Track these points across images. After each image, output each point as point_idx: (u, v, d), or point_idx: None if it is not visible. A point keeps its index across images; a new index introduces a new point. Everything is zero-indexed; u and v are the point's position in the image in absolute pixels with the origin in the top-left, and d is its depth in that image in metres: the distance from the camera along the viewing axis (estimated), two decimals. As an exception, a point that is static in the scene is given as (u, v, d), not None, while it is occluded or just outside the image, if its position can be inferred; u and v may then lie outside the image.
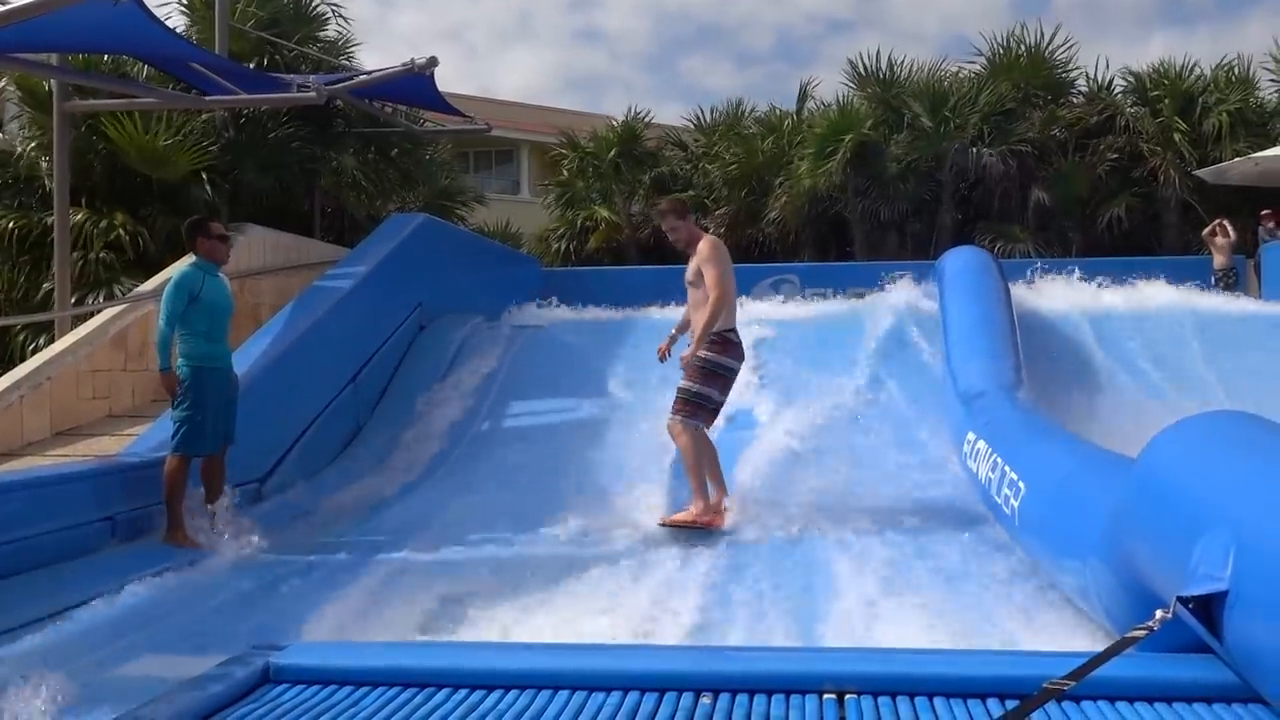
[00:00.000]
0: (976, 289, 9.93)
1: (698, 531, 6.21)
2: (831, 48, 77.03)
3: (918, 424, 8.55)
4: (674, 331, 7.05)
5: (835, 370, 9.55)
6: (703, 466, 6.41)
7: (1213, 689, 2.85)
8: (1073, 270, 12.26)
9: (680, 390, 6.47)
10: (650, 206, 20.71)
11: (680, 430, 6.40)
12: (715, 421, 6.73)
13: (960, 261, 10.98)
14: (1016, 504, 5.39)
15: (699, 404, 6.42)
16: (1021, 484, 5.42)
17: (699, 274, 6.43)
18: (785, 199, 18.71)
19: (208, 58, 10.63)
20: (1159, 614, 2.82)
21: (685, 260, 6.58)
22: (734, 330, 6.53)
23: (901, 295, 10.99)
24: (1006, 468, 5.75)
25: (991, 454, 6.14)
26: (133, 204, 12.03)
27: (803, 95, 20.99)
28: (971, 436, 6.79)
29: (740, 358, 6.58)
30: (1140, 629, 2.79)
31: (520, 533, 6.49)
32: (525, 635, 4.28)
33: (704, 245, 6.49)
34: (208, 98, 11.09)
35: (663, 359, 6.99)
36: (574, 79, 70.53)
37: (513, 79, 64.87)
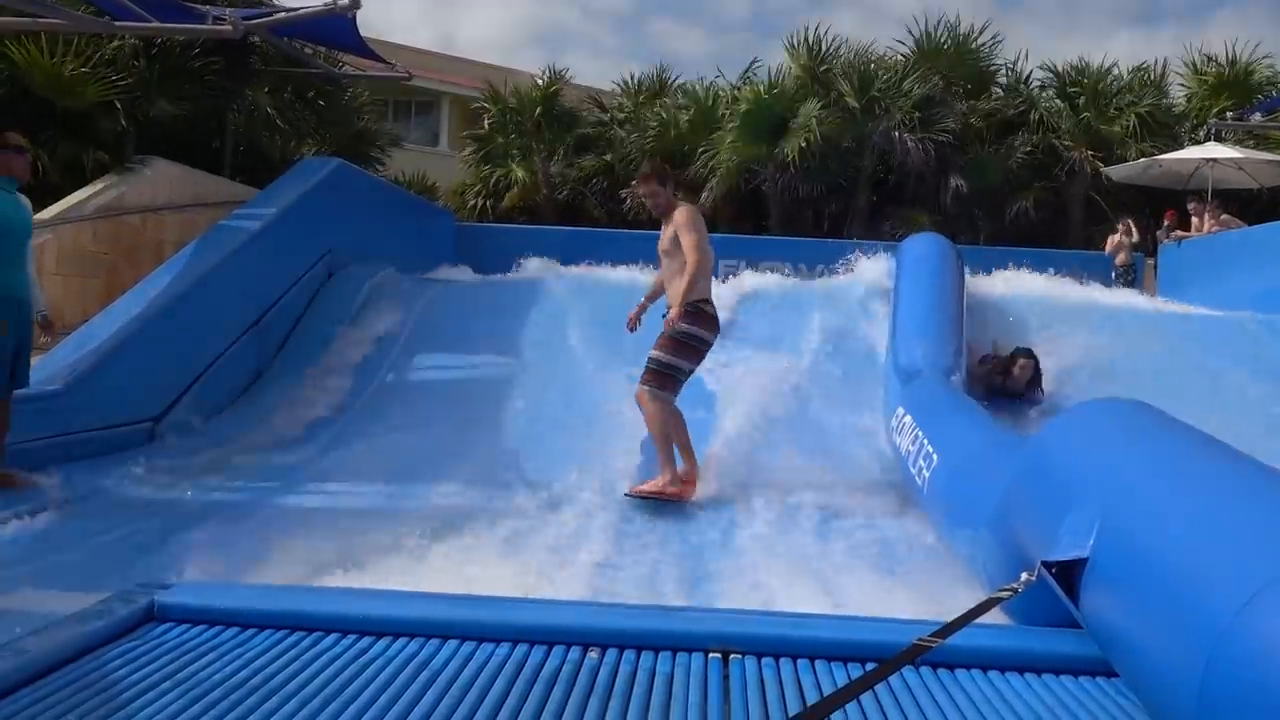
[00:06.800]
0: (931, 274, 10.06)
1: (665, 502, 6.07)
2: (807, 21, 76.30)
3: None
4: (644, 300, 6.89)
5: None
6: (670, 436, 6.29)
7: (1079, 662, 2.98)
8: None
9: (651, 360, 6.32)
10: (568, 167, 20.63)
11: (648, 399, 6.27)
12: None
13: (921, 247, 11.15)
14: (928, 474, 5.55)
15: (669, 375, 6.29)
16: (935, 455, 5.57)
17: (674, 242, 6.29)
18: (706, 171, 18.76)
19: (119, -19, 10.25)
20: (1024, 576, 2.94)
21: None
22: (709, 301, 6.38)
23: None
24: (925, 440, 5.89)
25: (915, 428, 6.28)
26: (33, 129, 11.59)
27: (746, 72, 20.95)
28: (900, 411, 6.93)
29: (714, 330, 6.41)
30: (1005, 590, 2.91)
31: (420, 483, 6.43)
32: (420, 584, 4.25)
33: (680, 213, 6.34)
34: (118, 24, 10.69)
35: (632, 329, 6.79)
36: (541, 35, 68.06)
37: (476, 28, 62.18)
